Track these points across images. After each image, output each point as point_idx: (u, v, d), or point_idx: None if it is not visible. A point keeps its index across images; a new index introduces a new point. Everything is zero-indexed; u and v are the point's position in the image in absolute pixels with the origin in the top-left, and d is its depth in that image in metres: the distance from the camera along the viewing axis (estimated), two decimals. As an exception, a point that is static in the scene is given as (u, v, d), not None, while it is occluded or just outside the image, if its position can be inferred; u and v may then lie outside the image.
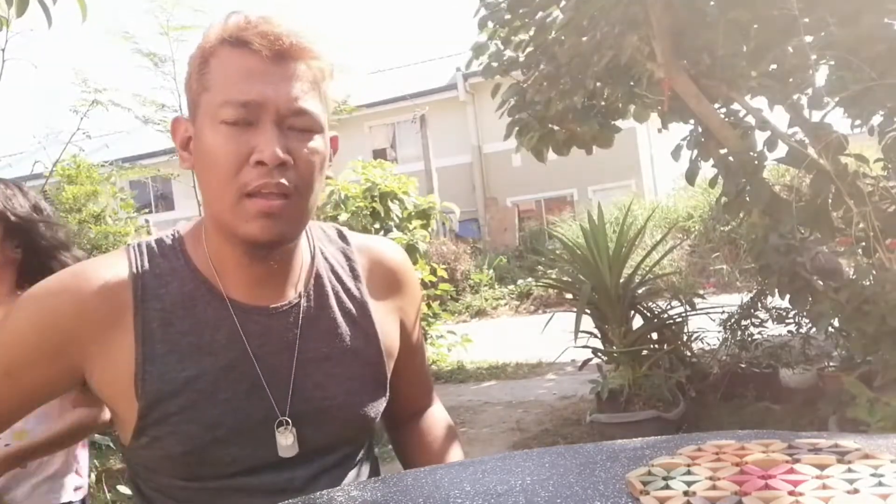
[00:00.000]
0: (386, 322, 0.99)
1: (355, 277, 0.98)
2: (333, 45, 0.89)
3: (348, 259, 1.00)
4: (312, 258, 0.96)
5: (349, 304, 0.96)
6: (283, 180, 0.80)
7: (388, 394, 0.99)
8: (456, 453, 1.07)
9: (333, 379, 0.92)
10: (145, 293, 0.86)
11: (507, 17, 3.90)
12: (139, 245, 0.91)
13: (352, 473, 0.97)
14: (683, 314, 4.10)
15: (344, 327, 0.94)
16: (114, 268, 0.87)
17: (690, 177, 3.63)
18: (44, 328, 0.84)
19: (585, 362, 4.06)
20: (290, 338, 0.90)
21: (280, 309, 0.90)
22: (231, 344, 0.87)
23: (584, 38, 3.58)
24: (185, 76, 0.87)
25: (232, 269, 0.89)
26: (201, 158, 0.84)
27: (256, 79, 0.80)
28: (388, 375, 0.99)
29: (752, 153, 3.19)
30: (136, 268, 0.88)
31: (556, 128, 4.13)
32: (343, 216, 4.60)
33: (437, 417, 1.13)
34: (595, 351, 4.03)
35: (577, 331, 3.78)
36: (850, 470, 0.62)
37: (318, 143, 0.84)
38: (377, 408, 0.97)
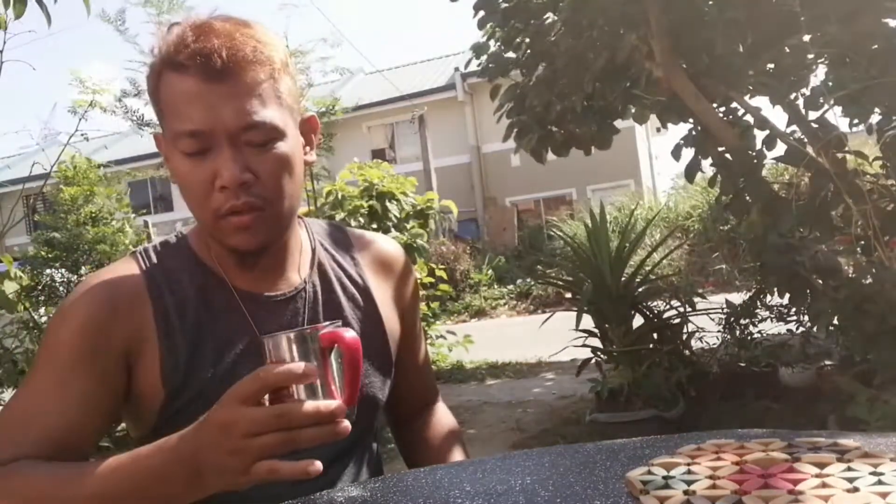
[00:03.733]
0: (387, 309, 1.03)
1: (356, 265, 1.03)
2: (279, 42, 0.88)
3: (348, 249, 1.04)
4: (313, 250, 1.00)
5: (353, 290, 1.00)
6: (249, 198, 0.83)
7: (392, 377, 1.02)
8: (460, 453, 1.08)
9: None
10: (159, 289, 0.89)
11: (505, 21, 3.91)
12: (144, 249, 0.95)
13: (363, 462, 1.00)
14: (683, 313, 4.10)
15: (349, 311, 0.98)
16: (124, 271, 0.91)
17: (690, 174, 3.63)
18: (85, 330, 0.85)
19: (584, 364, 4.05)
20: (297, 323, 0.94)
21: (287, 295, 0.94)
22: (242, 333, 0.90)
23: (582, 39, 3.58)
24: (148, 95, 0.89)
25: (234, 263, 0.92)
26: (177, 181, 0.87)
27: (198, 104, 0.80)
28: (394, 358, 1.02)
29: (750, 152, 3.20)
30: (145, 268, 0.91)
31: (554, 129, 4.13)
32: (340, 215, 4.59)
33: (441, 416, 1.14)
34: (595, 350, 4.03)
35: (578, 328, 3.78)
36: (849, 468, 0.62)
37: (280, 149, 0.84)
38: (384, 390, 1.00)
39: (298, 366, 0.64)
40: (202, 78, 0.80)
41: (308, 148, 0.93)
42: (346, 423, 0.66)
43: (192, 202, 0.87)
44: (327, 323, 0.72)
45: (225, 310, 0.91)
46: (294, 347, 0.67)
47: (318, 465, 0.65)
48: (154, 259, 0.93)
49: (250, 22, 0.87)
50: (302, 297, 0.95)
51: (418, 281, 1.15)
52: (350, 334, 0.68)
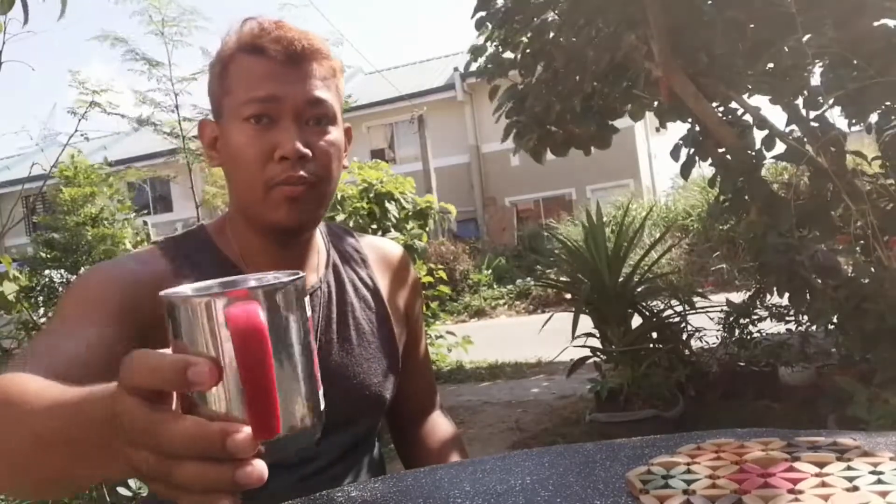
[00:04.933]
0: (393, 310, 1.06)
1: (366, 267, 1.06)
2: (336, 46, 0.95)
3: (358, 252, 1.07)
4: (328, 251, 1.03)
5: (364, 291, 1.04)
6: (304, 172, 0.87)
7: (398, 377, 1.05)
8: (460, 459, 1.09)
9: (354, 360, 0.98)
10: (186, 277, 0.89)
11: (505, 20, 3.91)
12: (166, 239, 0.97)
13: (366, 462, 1.02)
14: (682, 313, 4.10)
15: (360, 311, 1.01)
16: (150, 255, 0.92)
17: (685, 171, 3.64)
18: (110, 284, 0.85)
19: (578, 363, 4.04)
20: (313, 320, 0.95)
21: None
22: None
23: (582, 39, 3.58)
24: (208, 82, 0.95)
25: (258, 256, 0.94)
26: (229, 156, 0.90)
27: (274, 79, 0.87)
28: (400, 357, 1.05)
29: (750, 151, 3.20)
30: (171, 255, 0.92)
31: (554, 129, 4.13)
32: (340, 217, 4.59)
33: (441, 423, 1.16)
34: (594, 350, 4.03)
35: (574, 330, 3.78)
36: (849, 468, 0.62)
37: (333, 134, 0.91)
38: (390, 389, 1.03)
39: (180, 363, 0.42)
40: (281, 61, 0.87)
41: (344, 154, 0.97)
42: (256, 468, 0.42)
43: (243, 173, 0.88)
44: (269, 276, 0.50)
45: None
46: (195, 320, 0.44)
47: None
48: (177, 248, 0.94)
49: None
50: (318, 295, 0.97)
51: (420, 281, 1.17)
52: (248, 311, 0.42)
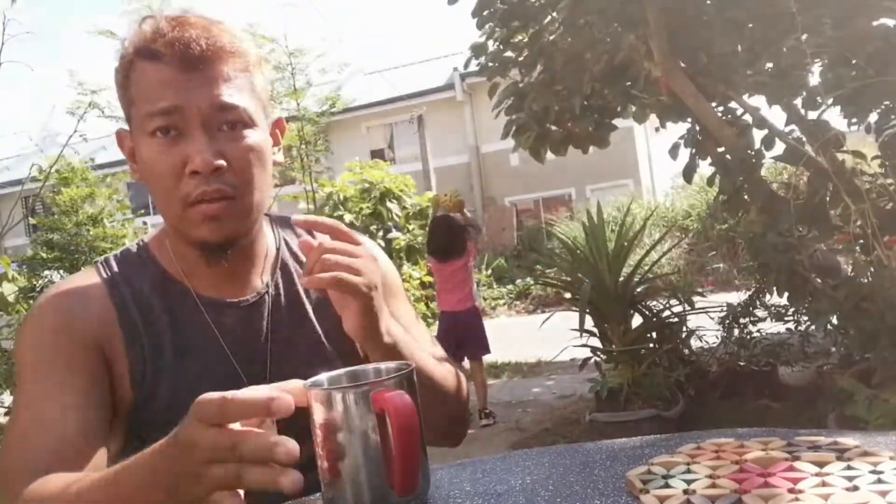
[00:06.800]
0: None
1: None
2: (250, 38, 0.89)
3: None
4: (277, 249, 0.97)
5: (317, 292, 0.95)
6: (221, 185, 0.81)
7: None
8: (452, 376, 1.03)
9: (309, 367, 0.88)
10: (122, 298, 0.87)
11: (504, 21, 3.91)
12: (105, 259, 0.93)
13: None
14: (682, 313, 4.10)
15: (314, 313, 0.95)
16: (85, 281, 0.89)
17: (688, 174, 3.64)
18: (60, 331, 0.83)
19: (585, 362, 4.05)
20: (261, 329, 0.91)
21: (249, 301, 0.91)
22: (207, 341, 0.88)
23: (581, 39, 3.58)
24: (116, 90, 0.88)
25: (197, 268, 0.90)
26: (144, 172, 0.85)
27: (174, 87, 0.80)
28: (363, 359, 0.95)
29: (749, 151, 3.20)
30: (108, 278, 0.89)
31: (553, 128, 4.14)
32: (347, 217, 4.60)
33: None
34: (594, 350, 4.03)
35: (581, 329, 3.78)
36: (849, 467, 0.62)
37: (252, 138, 0.83)
38: None
39: (264, 399, 0.56)
40: (179, 66, 0.79)
41: (276, 148, 0.91)
42: (292, 478, 0.54)
43: (159, 191, 0.83)
44: (392, 366, 0.67)
45: (188, 318, 0.88)
46: (342, 404, 0.59)
47: (292, 478, 0.55)
48: (115, 268, 0.90)
49: (223, 21, 0.86)
50: (264, 302, 0.92)
51: (392, 268, 1.06)
52: (400, 400, 0.57)
